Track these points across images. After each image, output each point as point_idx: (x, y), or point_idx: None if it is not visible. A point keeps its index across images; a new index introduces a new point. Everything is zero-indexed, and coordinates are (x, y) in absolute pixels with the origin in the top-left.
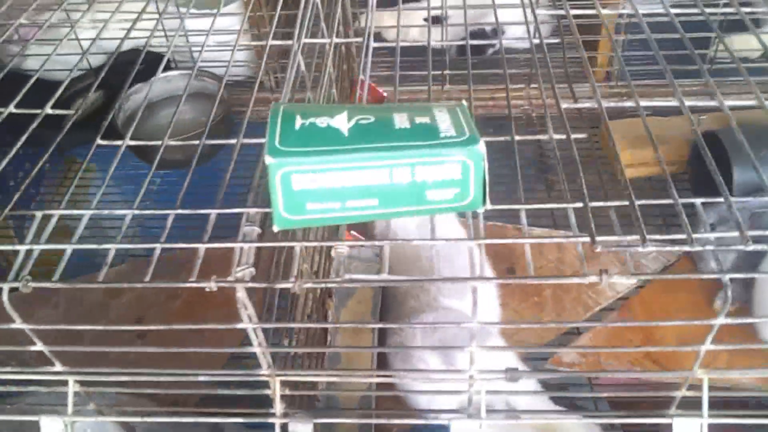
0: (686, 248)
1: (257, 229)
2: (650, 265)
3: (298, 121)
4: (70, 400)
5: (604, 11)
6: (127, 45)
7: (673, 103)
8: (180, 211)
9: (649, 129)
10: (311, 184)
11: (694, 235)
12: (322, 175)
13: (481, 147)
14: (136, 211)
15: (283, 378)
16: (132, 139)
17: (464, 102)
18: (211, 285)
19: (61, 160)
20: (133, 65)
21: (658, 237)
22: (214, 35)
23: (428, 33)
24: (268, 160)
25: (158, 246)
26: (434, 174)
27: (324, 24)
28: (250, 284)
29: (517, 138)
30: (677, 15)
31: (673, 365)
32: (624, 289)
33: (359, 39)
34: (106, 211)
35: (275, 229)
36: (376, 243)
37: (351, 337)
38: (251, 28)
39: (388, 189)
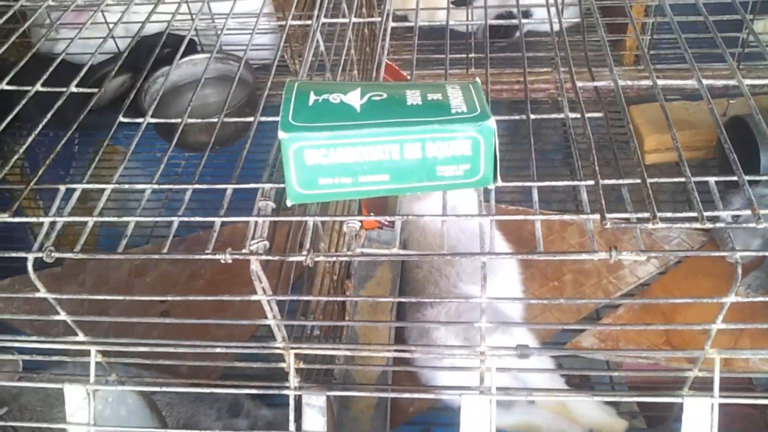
0: (696, 225)
1: (272, 204)
2: (670, 248)
3: (312, 98)
4: (93, 369)
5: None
6: (159, 28)
7: (692, 82)
8: (197, 186)
9: (668, 113)
10: (323, 159)
11: (707, 213)
12: (334, 150)
13: (491, 122)
14: (155, 186)
15: (298, 351)
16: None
17: (477, 79)
18: (226, 257)
19: (91, 142)
20: (160, 48)
21: (669, 215)
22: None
23: (446, 14)
24: (281, 135)
25: (176, 219)
26: (444, 150)
27: (345, 5)
28: (264, 257)
29: (532, 117)
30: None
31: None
32: (646, 275)
33: (378, 18)
34: (126, 186)
35: (288, 203)
36: (388, 218)
37: (369, 318)
38: (277, 11)
39: (399, 164)
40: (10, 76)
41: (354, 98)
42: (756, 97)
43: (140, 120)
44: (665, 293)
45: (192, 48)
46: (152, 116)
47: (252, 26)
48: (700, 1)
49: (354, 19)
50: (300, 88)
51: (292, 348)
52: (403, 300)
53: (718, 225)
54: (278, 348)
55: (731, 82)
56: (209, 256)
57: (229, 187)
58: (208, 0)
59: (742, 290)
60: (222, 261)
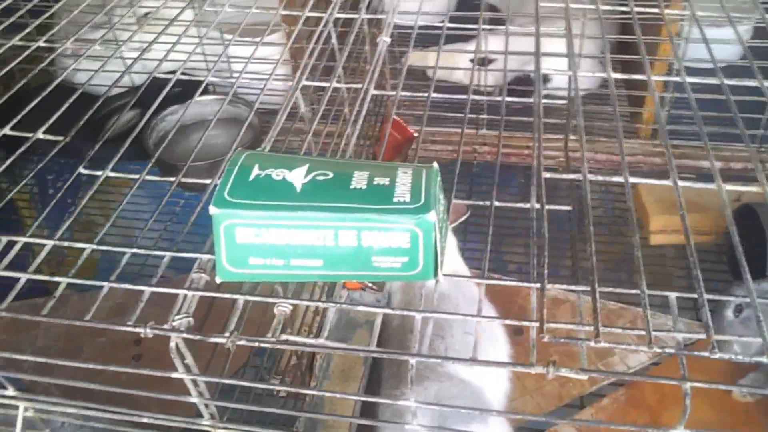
0: (644, 348)
1: (205, 277)
2: (668, 341)
3: (254, 172)
4: (19, 423)
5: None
6: (173, 67)
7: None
8: (135, 251)
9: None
10: (255, 239)
11: (659, 334)
12: (266, 230)
13: (431, 216)
14: (94, 246)
15: (225, 431)
16: (161, 157)
17: (435, 165)
18: (146, 332)
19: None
20: (171, 87)
21: (617, 330)
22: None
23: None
24: (213, 210)
25: (106, 285)
26: (381, 240)
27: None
28: (184, 335)
29: (496, 204)
30: (732, 86)
31: None
32: (637, 364)
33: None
34: (66, 243)
35: (218, 280)
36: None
37: (339, 384)
38: (291, 59)
39: (333, 251)
40: (31, 106)
41: (297, 176)
42: None
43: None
44: (655, 386)
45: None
46: (155, 153)
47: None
48: (724, 81)
49: (372, 91)
50: (245, 161)
51: (221, 427)
52: (370, 399)
53: (667, 350)
54: (205, 426)
55: (749, 165)
56: (128, 328)
57: (168, 255)
58: (228, 43)
59: (737, 393)
60: (142, 335)
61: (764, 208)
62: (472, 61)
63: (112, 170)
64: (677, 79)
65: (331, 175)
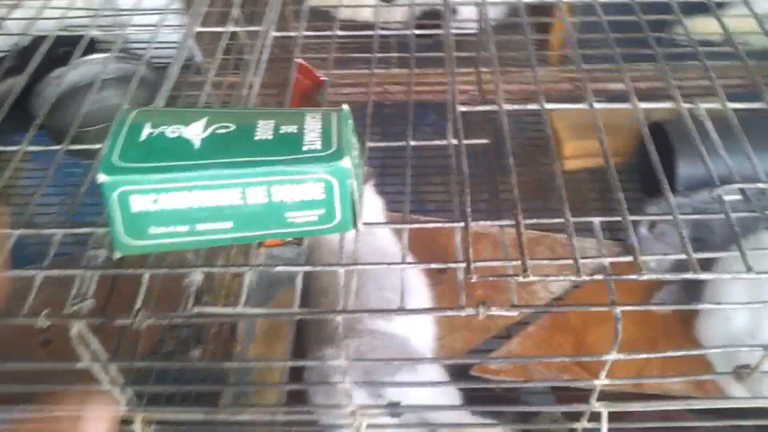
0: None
1: (105, 252)
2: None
3: (146, 130)
4: None
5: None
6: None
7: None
8: (22, 231)
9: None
10: (153, 206)
11: (586, 261)
12: (166, 195)
13: (345, 163)
14: None
15: (148, 416)
16: (53, 125)
17: (345, 107)
18: (40, 322)
19: None
20: (59, 47)
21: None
22: (145, 15)
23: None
24: (101, 178)
25: None
26: (294, 194)
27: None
28: (85, 320)
29: (412, 143)
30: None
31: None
32: (560, 290)
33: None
34: None
35: (115, 255)
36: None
37: (265, 345)
38: (185, 7)
39: (242, 210)
40: None
41: (195, 131)
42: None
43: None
44: (579, 315)
45: (92, 48)
46: (46, 121)
47: (152, 23)
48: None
49: (273, 33)
50: (135, 119)
51: (141, 411)
52: (293, 364)
53: (595, 277)
54: (124, 412)
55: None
56: (18, 323)
57: (59, 232)
58: None
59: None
60: (36, 327)
61: (672, 126)
62: None
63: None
64: None
65: (233, 127)
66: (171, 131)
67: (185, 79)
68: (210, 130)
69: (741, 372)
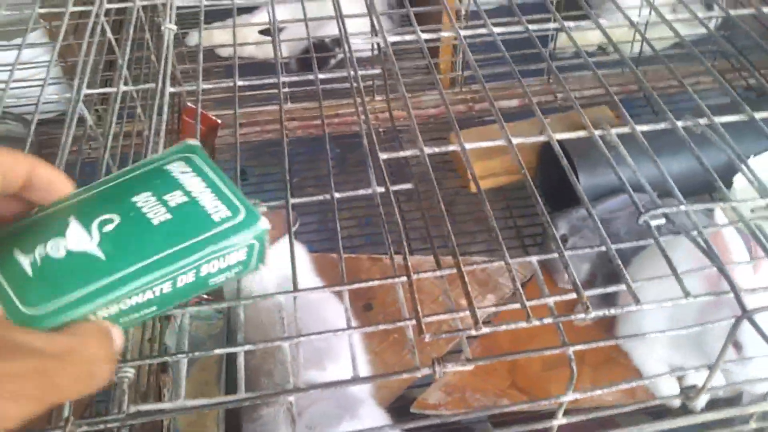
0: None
1: None
2: (506, 282)
3: (24, 260)
4: None
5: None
6: None
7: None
8: None
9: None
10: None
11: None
12: (94, 315)
13: (263, 223)
14: None
15: None
16: None
17: (190, 142)
18: None
19: None
20: None
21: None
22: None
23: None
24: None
25: None
26: (219, 264)
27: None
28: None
29: (337, 196)
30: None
31: (539, 392)
32: (484, 313)
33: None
34: None
35: None
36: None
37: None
38: (59, 58)
39: (169, 294)
40: None
41: (82, 239)
42: (570, 113)
43: None
44: (506, 332)
45: None
46: None
47: (27, 78)
48: (517, 12)
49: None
50: None
51: None
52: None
53: (545, 321)
54: None
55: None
56: None
57: None
58: None
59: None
60: None
61: (570, 142)
62: (261, 32)
63: None
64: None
65: (116, 218)
66: (51, 250)
67: (81, 134)
68: (96, 232)
69: (688, 393)
